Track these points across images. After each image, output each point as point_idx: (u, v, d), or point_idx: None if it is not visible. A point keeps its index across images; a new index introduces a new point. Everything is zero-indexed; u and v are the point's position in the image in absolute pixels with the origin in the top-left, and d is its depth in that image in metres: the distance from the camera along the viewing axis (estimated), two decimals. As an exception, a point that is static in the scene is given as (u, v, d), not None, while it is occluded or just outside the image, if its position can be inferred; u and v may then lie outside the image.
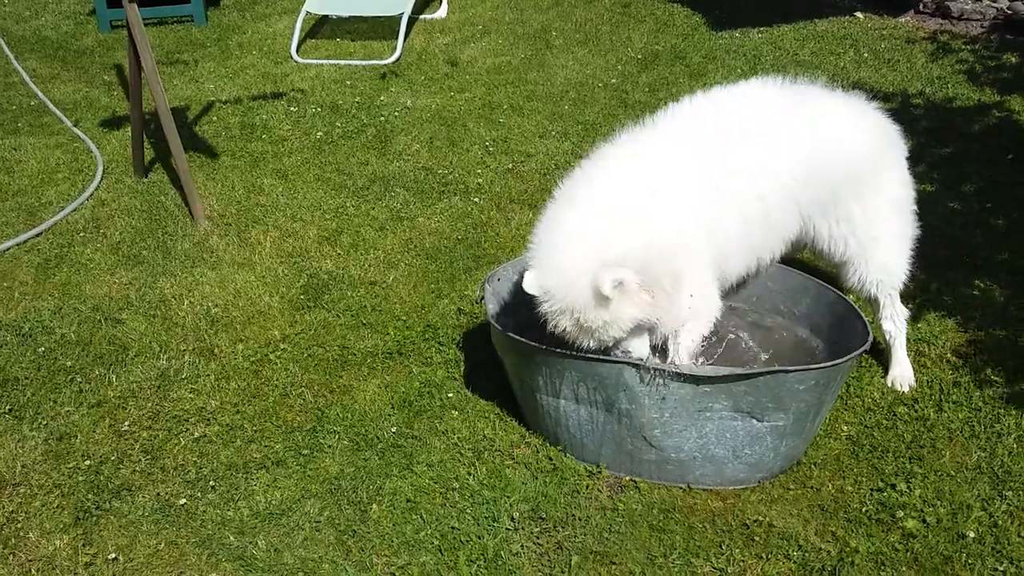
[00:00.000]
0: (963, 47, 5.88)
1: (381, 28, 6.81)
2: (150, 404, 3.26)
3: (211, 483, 2.91)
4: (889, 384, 3.18)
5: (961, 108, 5.12)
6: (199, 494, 2.87)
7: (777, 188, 2.84)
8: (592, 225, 2.63)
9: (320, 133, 5.28)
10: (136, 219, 4.45)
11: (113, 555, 2.67)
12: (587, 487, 2.84)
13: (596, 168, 2.83)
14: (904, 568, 2.52)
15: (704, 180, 2.76)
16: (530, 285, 2.69)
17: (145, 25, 4.34)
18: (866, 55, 5.83)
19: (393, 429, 3.10)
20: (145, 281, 3.96)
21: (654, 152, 2.80)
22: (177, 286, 3.92)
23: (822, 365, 2.65)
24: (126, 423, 3.17)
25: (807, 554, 2.58)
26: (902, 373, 3.21)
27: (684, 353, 2.84)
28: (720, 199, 2.77)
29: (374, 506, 2.80)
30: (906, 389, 3.18)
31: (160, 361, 3.46)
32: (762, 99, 2.94)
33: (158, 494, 2.89)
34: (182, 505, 2.84)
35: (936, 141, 4.77)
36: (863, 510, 2.72)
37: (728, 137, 2.82)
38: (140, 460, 3.02)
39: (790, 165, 2.84)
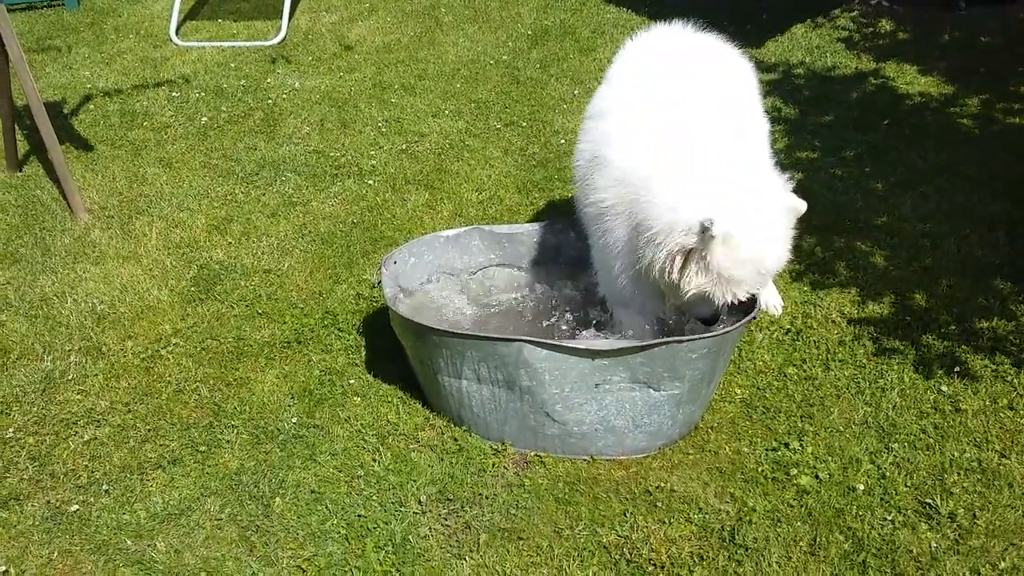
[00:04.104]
0: (841, 14, 6.07)
1: (264, 7, 6.62)
2: (35, 408, 3.12)
3: (104, 487, 2.81)
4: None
5: (840, 76, 5.29)
6: (92, 499, 2.78)
7: None
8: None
9: (205, 118, 5.11)
10: (11, 215, 4.24)
11: (3, 568, 2.57)
12: (493, 465, 2.86)
13: None
14: (799, 523, 2.62)
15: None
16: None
17: (12, 10, 4.12)
18: (748, 26, 5.96)
19: (294, 420, 3.05)
20: (24, 280, 3.78)
21: None
22: (59, 283, 3.75)
23: (713, 333, 2.71)
24: (10, 429, 3.03)
25: (707, 516, 2.66)
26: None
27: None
28: None
29: (277, 499, 2.76)
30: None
31: (44, 363, 3.32)
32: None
33: (48, 502, 2.78)
34: (74, 511, 2.74)
35: (817, 109, 4.92)
36: (759, 470, 2.81)
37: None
38: (27, 467, 2.90)
39: None
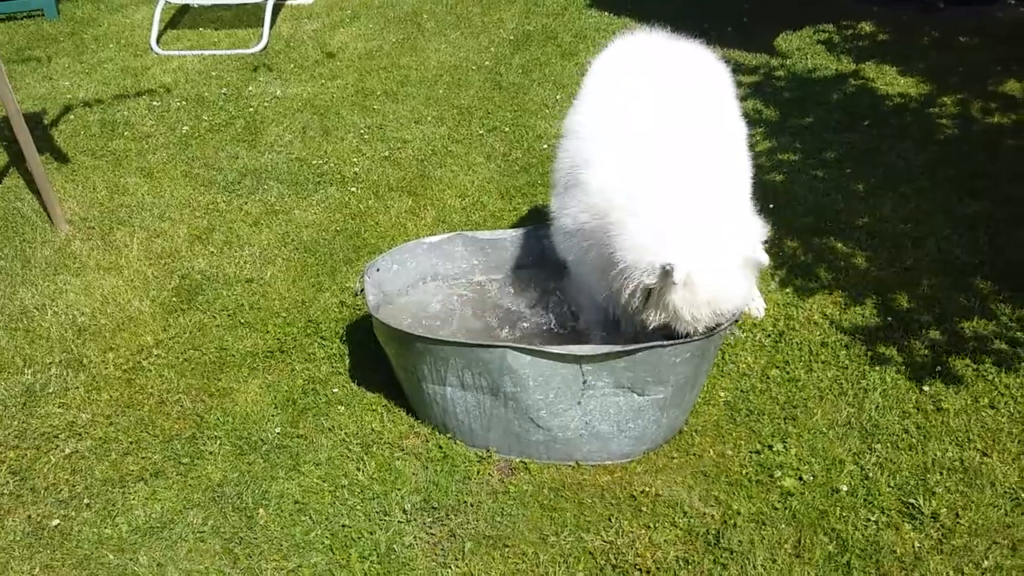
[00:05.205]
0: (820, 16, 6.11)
1: (246, 15, 6.61)
2: (16, 422, 3.10)
3: (86, 501, 2.79)
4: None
5: (821, 78, 5.31)
6: (73, 513, 2.75)
7: None
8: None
9: (186, 127, 5.09)
10: (-10, 227, 4.21)
11: (-17, 585, 2.54)
12: (478, 472, 2.85)
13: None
14: (783, 525, 2.62)
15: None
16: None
17: (-14, 21, 4.09)
18: (729, 28, 5.99)
19: (277, 430, 3.03)
20: (4, 292, 3.76)
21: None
22: (39, 295, 3.72)
23: (696, 338, 2.71)
24: (-10, 444, 3.01)
25: (692, 520, 2.66)
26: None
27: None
28: None
29: (261, 511, 2.74)
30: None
31: (25, 376, 3.29)
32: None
33: (29, 516, 2.75)
34: (55, 526, 2.71)
35: (798, 111, 4.94)
36: (743, 472, 2.81)
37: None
38: (8, 482, 2.87)
39: None
